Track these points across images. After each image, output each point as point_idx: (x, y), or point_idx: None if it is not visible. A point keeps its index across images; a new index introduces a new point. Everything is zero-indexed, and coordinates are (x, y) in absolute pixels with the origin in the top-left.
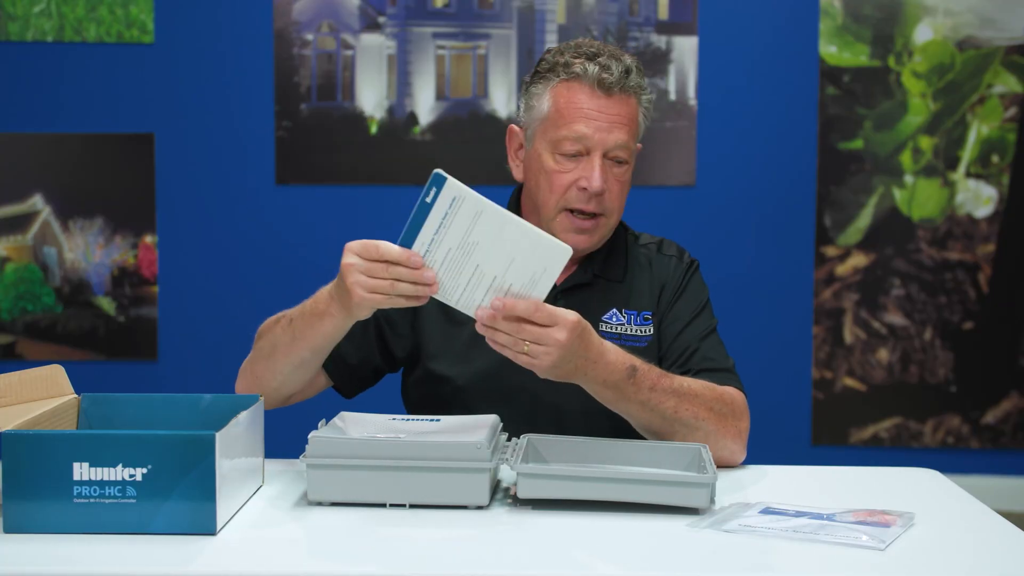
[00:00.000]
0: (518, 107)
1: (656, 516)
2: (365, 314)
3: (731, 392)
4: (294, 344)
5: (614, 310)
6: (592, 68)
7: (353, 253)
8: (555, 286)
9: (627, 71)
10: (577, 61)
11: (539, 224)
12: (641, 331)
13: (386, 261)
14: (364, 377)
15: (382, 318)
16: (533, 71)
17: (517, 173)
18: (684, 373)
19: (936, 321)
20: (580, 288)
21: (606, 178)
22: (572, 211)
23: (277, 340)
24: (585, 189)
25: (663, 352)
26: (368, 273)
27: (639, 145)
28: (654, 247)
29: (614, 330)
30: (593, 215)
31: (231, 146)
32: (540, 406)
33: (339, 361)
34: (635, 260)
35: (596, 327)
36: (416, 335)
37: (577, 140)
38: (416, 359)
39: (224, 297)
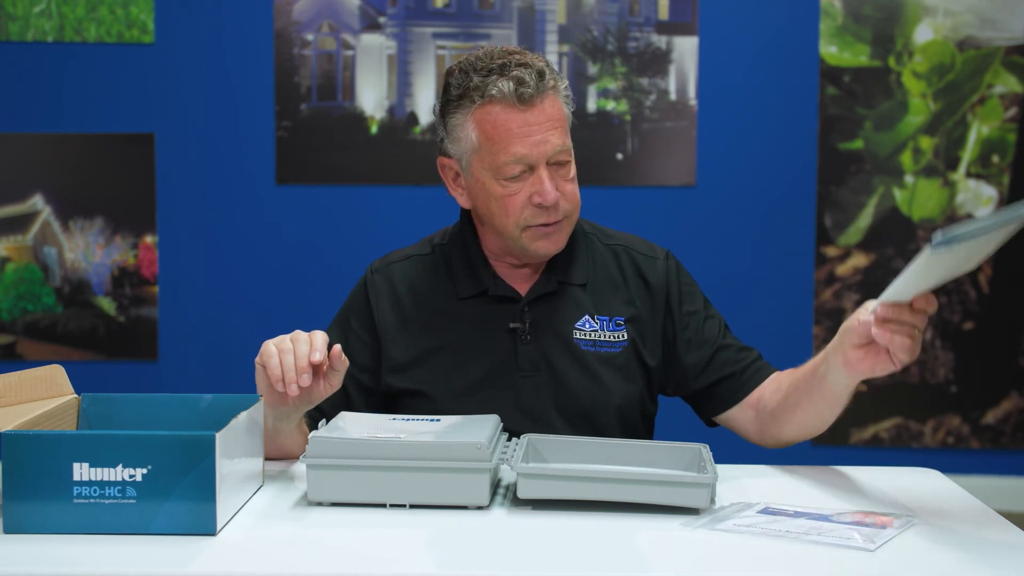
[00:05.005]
0: (439, 138)
1: (656, 516)
2: (262, 386)
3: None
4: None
5: (586, 317)
6: (507, 85)
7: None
8: (520, 297)
9: (540, 74)
10: (489, 81)
11: (504, 245)
12: (615, 336)
13: (295, 351)
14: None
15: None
16: (443, 99)
17: (463, 201)
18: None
19: (936, 321)
20: (547, 297)
21: (556, 184)
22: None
23: None
24: (541, 204)
25: (695, 358)
26: (278, 343)
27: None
28: (623, 248)
29: (588, 337)
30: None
31: (231, 146)
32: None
33: (315, 414)
34: (600, 261)
35: (569, 335)
36: (376, 360)
37: (518, 162)
38: (388, 382)
39: (224, 297)
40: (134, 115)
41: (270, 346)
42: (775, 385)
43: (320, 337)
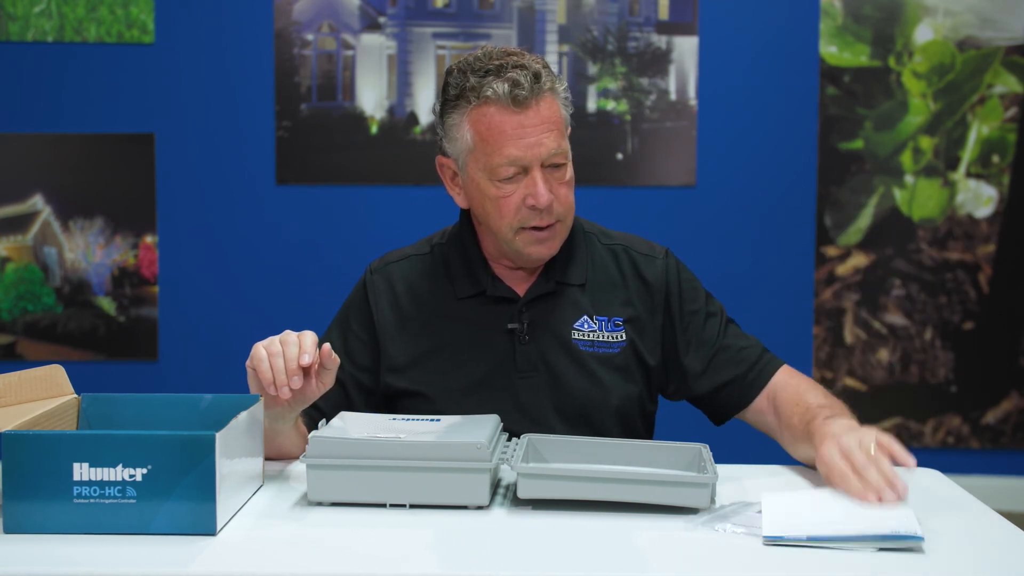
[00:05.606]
0: (438, 137)
1: (656, 516)
2: (254, 388)
3: (800, 378)
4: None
5: (585, 317)
6: (502, 87)
7: (264, 347)
8: (519, 298)
9: (536, 76)
10: (485, 82)
11: (499, 247)
12: (613, 337)
13: (284, 354)
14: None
15: (343, 351)
16: (442, 99)
17: (460, 201)
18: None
19: (936, 321)
20: (545, 298)
21: (551, 187)
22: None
23: None
24: (534, 207)
25: (699, 355)
26: (268, 346)
27: (569, 127)
28: (622, 248)
29: (586, 337)
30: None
31: (231, 146)
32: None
33: (314, 414)
34: (599, 261)
35: (567, 335)
36: (376, 360)
37: (511, 164)
38: (388, 382)
39: (224, 297)
40: (134, 115)
41: (260, 349)
42: (788, 405)
43: (309, 338)
